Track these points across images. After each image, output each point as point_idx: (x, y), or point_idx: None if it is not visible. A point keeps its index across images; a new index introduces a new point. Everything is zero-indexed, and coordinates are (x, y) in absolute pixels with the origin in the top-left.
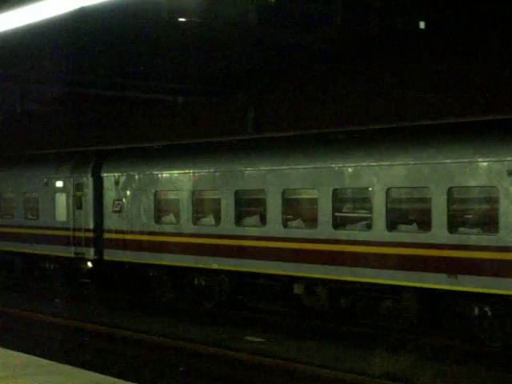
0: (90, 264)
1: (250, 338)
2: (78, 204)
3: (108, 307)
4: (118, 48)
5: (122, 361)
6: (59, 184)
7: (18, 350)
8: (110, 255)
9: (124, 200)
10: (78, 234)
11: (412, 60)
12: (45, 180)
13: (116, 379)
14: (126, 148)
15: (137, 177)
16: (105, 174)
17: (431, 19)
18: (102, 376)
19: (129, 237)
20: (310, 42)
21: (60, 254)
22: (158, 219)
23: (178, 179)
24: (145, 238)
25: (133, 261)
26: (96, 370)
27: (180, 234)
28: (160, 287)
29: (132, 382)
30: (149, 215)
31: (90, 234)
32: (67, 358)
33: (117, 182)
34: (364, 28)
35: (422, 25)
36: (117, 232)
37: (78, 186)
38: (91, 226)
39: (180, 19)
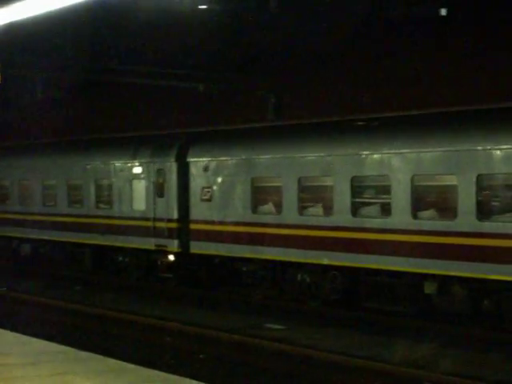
0: (171, 257)
1: (270, 326)
2: (159, 192)
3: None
4: (139, 36)
5: (143, 348)
6: (137, 170)
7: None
8: (197, 248)
9: (215, 187)
10: (159, 224)
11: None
12: (120, 165)
13: (136, 366)
14: (217, 130)
15: (230, 162)
16: (192, 159)
17: (453, 6)
18: (121, 362)
19: (220, 228)
20: (331, 29)
21: (137, 246)
22: (255, 209)
23: (279, 164)
24: (240, 229)
25: (225, 254)
26: (115, 357)
27: (282, 226)
28: (255, 283)
29: (152, 368)
30: (244, 204)
31: (174, 225)
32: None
33: (206, 168)
34: (385, 14)
35: (443, 12)
36: (206, 222)
37: (160, 172)
38: (175, 216)
39: (201, 6)
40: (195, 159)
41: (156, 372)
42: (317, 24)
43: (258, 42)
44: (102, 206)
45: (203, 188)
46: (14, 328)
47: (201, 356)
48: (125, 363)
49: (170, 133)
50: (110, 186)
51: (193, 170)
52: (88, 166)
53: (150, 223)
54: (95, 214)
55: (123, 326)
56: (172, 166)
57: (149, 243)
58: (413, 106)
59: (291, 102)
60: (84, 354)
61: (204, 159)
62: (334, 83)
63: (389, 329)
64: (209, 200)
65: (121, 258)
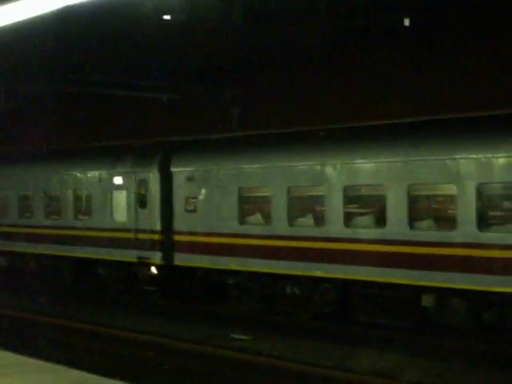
0: (154, 270)
1: (235, 336)
2: (141, 203)
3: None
4: (103, 46)
5: (107, 359)
6: (118, 180)
7: None
8: (181, 260)
9: (200, 198)
10: (141, 235)
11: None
12: (99, 176)
13: (101, 377)
14: (201, 140)
15: (216, 172)
16: (175, 169)
17: (416, 16)
18: (88, 374)
19: (205, 239)
20: (296, 39)
21: (118, 259)
22: (242, 219)
23: (268, 173)
24: (226, 240)
25: (211, 266)
26: (81, 368)
27: (271, 237)
28: (241, 296)
29: (117, 380)
30: (231, 215)
31: (157, 236)
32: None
33: (190, 178)
34: (350, 25)
35: (406, 22)
36: (190, 234)
37: (142, 183)
38: (158, 227)
39: (165, 17)
40: (179, 169)
41: (114, 381)
42: (281, 34)
43: (222, 52)
44: (81, 217)
45: (187, 198)
46: None
47: (164, 367)
48: (89, 374)
49: (151, 141)
50: (89, 197)
51: (176, 179)
52: (65, 176)
53: (131, 235)
54: (74, 225)
55: (88, 337)
56: (155, 176)
57: (130, 255)
58: (375, 117)
59: (256, 112)
60: (51, 366)
61: (188, 169)
62: (299, 93)
63: (357, 339)
64: (193, 211)
65: (101, 271)
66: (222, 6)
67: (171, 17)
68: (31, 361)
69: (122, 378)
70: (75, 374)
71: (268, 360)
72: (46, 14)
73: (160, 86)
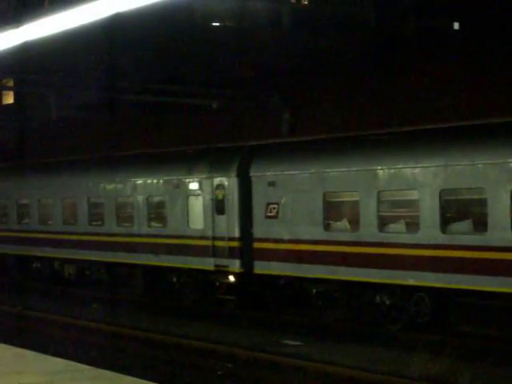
0: (232, 278)
1: (287, 342)
2: (218, 209)
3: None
4: (152, 53)
5: (157, 365)
6: (193, 186)
7: None
8: (262, 268)
9: (282, 203)
10: (219, 243)
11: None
12: (174, 181)
13: (148, 382)
14: (282, 143)
15: (300, 176)
16: (255, 174)
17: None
18: (140, 380)
19: (289, 247)
20: (344, 44)
21: (194, 267)
22: (327, 226)
23: (355, 177)
24: (311, 247)
25: (293, 274)
26: (134, 375)
27: (359, 243)
28: (326, 305)
29: None
30: (315, 221)
31: (235, 244)
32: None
33: (272, 183)
34: (399, 29)
35: (456, 25)
36: (272, 241)
37: (219, 188)
38: (237, 234)
39: (214, 24)
40: (259, 173)
41: None
42: (329, 39)
43: (271, 58)
44: (154, 224)
45: (268, 204)
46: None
47: (219, 373)
48: (142, 381)
49: (227, 146)
50: (162, 204)
51: (256, 184)
52: (138, 183)
53: (208, 242)
54: (147, 232)
55: (140, 343)
56: (233, 181)
57: (207, 263)
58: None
59: (306, 117)
60: (105, 373)
61: (269, 173)
62: (349, 97)
63: (405, 343)
64: (275, 217)
65: (175, 279)
66: (271, 12)
67: (220, 23)
68: (84, 367)
69: None
70: (128, 380)
71: (319, 365)
72: (96, 22)
73: (209, 93)
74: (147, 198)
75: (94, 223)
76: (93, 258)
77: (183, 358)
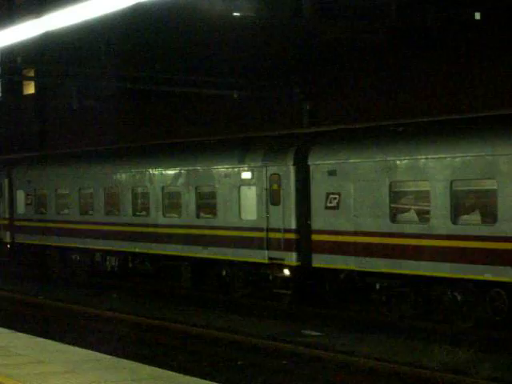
0: (287, 271)
1: (307, 332)
2: (273, 199)
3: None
4: (173, 43)
5: (179, 355)
6: (246, 175)
7: None
8: (321, 261)
9: (343, 194)
10: (273, 235)
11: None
12: (225, 171)
13: (175, 373)
14: (342, 129)
15: (364, 164)
16: (314, 162)
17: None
18: (161, 370)
19: (351, 239)
20: (365, 34)
21: (246, 259)
22: (394, 217)
23: (425, 167)
24: (375, 240)
25: (356, 268)
26: (154, 365)
27: (429, 236)
28: (390, 301)
29: (191, 376)
30: (381, 212)
31: (292, 236)
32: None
33: (332, 172)
34: (420, 19)
35: (477, 16)
36: (332, 233)
37: (273, 178)
38: (293, 226)
39: (235, 14)
40: (318, 162)
41: (188, 378)
42: (350, 29)
43: (292, 48)
44: (204, 215)
45: (328, 194)
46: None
47: (239, 363)
48: (163, 370)
49: (283, 134)
50: (213, 194)
51: (315, 174)
52: (185, 172)
53: (262, 234)
54: (196, 224)
55: (160, 333)
56: (289, 171)
57: (261, 256)
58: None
59: (327, 107)
60: (126, 362)
61: (329, 162)
62: (370, 87)
63: (426, 335)
64: (336, 207)
65: (224, 272)
66: (292, 2)
67: (241, 14)
68: (105, 356)
69: (195, 375)
70: (149, 370)
71: (338, 356)
72: (117, 12)
73: (231, 83)
74: (196, 188)
75: (138, 213)
76: (137, 250)
77: (203, 347)
